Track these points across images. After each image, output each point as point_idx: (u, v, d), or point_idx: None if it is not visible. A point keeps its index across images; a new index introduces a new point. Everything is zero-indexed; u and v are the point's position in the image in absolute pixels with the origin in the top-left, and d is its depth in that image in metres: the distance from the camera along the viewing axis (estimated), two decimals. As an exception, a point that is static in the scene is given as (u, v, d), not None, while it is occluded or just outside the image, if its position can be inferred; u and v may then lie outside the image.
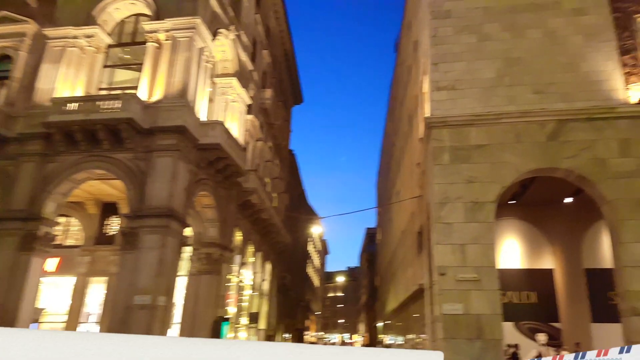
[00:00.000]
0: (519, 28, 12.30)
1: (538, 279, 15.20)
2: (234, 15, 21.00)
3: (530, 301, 15.05)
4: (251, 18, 24.71)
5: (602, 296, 13.86)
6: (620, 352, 1.78)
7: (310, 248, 68.14)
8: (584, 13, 12.12)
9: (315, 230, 36.68)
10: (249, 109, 24.10)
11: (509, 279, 14.80)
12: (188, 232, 17.95)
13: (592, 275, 14.51)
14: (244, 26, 22.97)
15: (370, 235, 70.74)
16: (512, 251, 15.50)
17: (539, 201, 14.94)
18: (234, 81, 20.64)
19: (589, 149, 10.89)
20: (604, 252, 13.71)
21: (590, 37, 11.88)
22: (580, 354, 1.84)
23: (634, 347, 1.77)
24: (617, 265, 10.46)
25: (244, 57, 22.28)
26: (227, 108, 20.69)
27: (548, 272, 15.28)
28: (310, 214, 47.27)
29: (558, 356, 1.86)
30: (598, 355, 1.83)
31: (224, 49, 20.19)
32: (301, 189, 51.40)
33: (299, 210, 44.30)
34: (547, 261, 15.36)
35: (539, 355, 12.16)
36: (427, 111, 12.45)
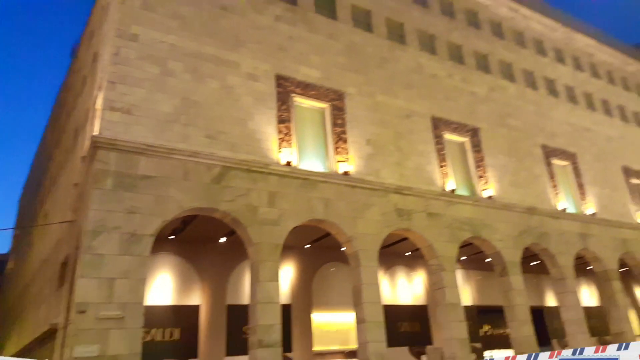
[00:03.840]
0: (200, 74, 13.02)
1: (184, 316, 15.51)
2: None
3: (174, 338, 15.10)
4: None
5: (238, 331, 15.33)
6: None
7: None
8: (256, 80, 13.99)
9: None
10: None
11: (156, 316, 14.55)
12: None
13: (233, 310, 15.93)
14: None
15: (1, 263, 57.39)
16: (163, 287, 15.39)
17: (198, 238, 15.61)
18: None
19: (245, 196, 12.22)
20: (245, 289, 15.36)
21: (258, 101, 13.73)
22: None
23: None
24: (253, 301, 11.81)
25: None
26: None
27: (195, 308, 15.83)
28: None
29: None
30: None
31: None
32: None
33: None
34: (196, 297, 15.97)
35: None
36: (96, 129, 11.31)
